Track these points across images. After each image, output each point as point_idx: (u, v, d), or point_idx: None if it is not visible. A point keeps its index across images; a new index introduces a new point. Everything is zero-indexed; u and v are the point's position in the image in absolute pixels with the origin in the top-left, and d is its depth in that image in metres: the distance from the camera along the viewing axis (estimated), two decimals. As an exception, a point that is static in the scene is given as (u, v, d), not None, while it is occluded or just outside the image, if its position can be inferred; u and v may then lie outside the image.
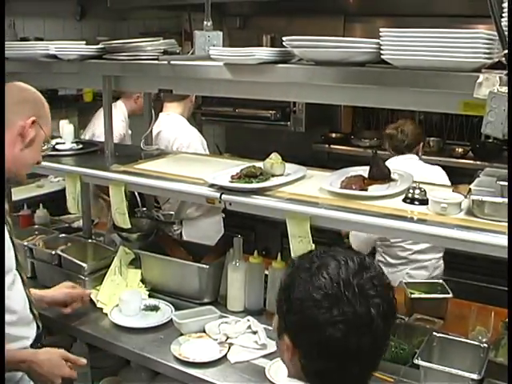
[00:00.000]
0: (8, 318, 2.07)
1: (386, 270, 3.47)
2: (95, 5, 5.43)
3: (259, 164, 2.49)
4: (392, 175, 2.44)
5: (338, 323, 1.33)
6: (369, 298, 1.36)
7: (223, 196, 2.34)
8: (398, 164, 3.46)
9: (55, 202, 3.86)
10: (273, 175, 2.46)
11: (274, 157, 2.51)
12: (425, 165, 3.68)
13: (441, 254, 3.57)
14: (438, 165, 4.22)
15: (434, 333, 2.36)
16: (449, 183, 3.40)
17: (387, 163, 3.47)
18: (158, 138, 3.75)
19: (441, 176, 3.59)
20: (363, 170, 2.45)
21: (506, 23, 1.72)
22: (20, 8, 4.94)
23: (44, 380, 2.12)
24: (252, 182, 2.37)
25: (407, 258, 3.54)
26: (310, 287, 1.37)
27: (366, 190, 2.28)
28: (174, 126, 3.94)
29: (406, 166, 3.32)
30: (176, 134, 3.86)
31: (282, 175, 2.47)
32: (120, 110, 4.58)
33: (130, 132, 4.66)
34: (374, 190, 2.29)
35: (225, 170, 2.53)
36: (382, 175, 2.41)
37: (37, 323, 2.27)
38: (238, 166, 2.53)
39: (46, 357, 2.15)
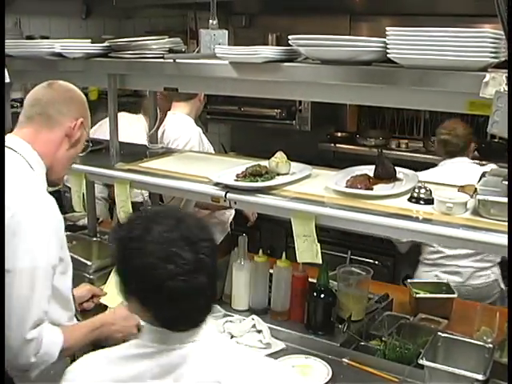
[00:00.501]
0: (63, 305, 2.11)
1: (421, 269, 3.48)
2: (101, 3, 5.43)
3: (264, 163, 2.49)
4: (397, 174, 2.43)
5: (177, 275, 1.47)
6: (194, 245, 1.51)
7: (228, 195, 2.34)
8: (451, 168, 3.47)
9: (60, 200, 3.87)
10: (278, 174, 2.45)
11: (279, 156, 2.50)
12: (478, 167, 3.55)
13: (485, 264, 3.41)
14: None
15: (439, 333, 2.36)
16: None
17: (439, 167, 3.55)
18: (163, 137, 3.75)
19: None
20: (369, 170, 2.44)
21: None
22: (26, 6, 4.95)
23: (124, 335, 2.14)
24: (257, 181, 2.36)
25: (436, 260, 3.47)
26: (141, 256, 1.51)
27: (372, 189, 2.27)
28: (177, 125, 3.94)
29: (459, 170, 3.34)
30: (177, 134, 3.86)
31: (287, 174, 2.47)
32: (143, 123, 4.59)
33: None
34: (380, 189, 2.29)
35: (230, 168, 2.52)
36: (387, 174, 2.41)
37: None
38: (244, 164, 2.52)
39: (114, 314, 2.24)
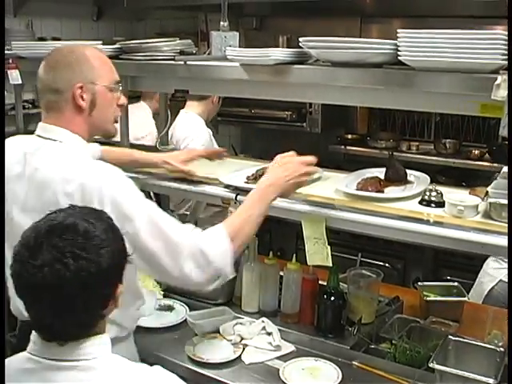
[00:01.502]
0: None
1: (491, 265, 3.27)
2: (112, 5, 5.45)
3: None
4: (408, 177, 2.42)
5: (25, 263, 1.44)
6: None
7: (239, 197, 2.34)
8: None
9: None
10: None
11: None
12: None
13: None
14: (454, 167, 4.20)
15: (450, 336, 2.35)
16: None
17: None
18: (173, 136, 3.80)
19: None
20: (379, 172, 2.43)
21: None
22: (38, 8, 4.98)
23: (297, 179, 2.16)
24: None
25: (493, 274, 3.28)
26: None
27: (383, 191, 2.27)
28: (187, 124, 3.97)
29: None
30: (186, 133, 3.89)
31: None
32: (145, 109, 4.62)
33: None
34: (391, 191, 2.29)
35: (240, 170, 2.52)
36: (398, 177, 2.40)
37: None
38: (254, 166, 2.53)
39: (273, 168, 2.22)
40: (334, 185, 2.34)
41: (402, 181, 2.40)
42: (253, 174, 2.43)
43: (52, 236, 1.45)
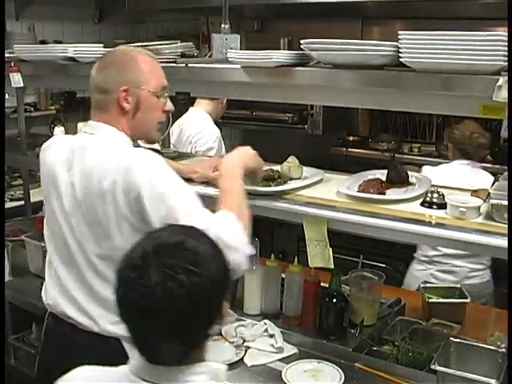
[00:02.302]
0: None
1: (416, 267, 3.54)
2: (113, 8, 5.46)
3: (277, 167, 2.49)
4: (410, 179, 2.42)
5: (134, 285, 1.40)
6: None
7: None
8: (457, 170, 3.48)
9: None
10: (290, 178, 2.45)
11: (292, 160, 2.50)
12: (487, 175, 3.54)
13: (479, 266, 3.46)
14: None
15: (452, 338, 2.34)
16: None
17: (448, 165, 3.58)
18: (183, 132, 3.89)
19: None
20: (381, 174, 2.43)
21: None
22: (39, 12, 5.00)
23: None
24: (270, 186, 2.36)
25: (433, 258, 3.51)
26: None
27: (384, 193, 2.27)
28: (199, 121, 4.05)
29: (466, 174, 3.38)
30: (199, 128, 3.99)
31: (299, 178, 2.47)
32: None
33: None
34: (392, 193, 2.28)
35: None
36: (399, 179, 2.40)
37: None
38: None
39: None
40: (336, 187, 2.33)
41: (404, 183, 2.39)
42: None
43: (160, 255, 1.41)
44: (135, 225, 1.96)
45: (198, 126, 4.05)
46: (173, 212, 1.91)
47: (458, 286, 2.92)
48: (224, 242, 1.79)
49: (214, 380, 1.50)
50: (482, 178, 3.37)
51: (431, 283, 3.34)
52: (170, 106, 2.23)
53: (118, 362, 1.57)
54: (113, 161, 1.99)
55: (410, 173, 2.45)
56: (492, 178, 3.33)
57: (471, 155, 3.61)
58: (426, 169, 3.53)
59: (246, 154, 2.24)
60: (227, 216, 1.99)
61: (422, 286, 2.93)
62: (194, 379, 1.46)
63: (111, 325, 2.02)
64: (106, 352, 1.99)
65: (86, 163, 2.04)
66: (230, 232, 1.92)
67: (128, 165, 1.95)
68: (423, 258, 3.56)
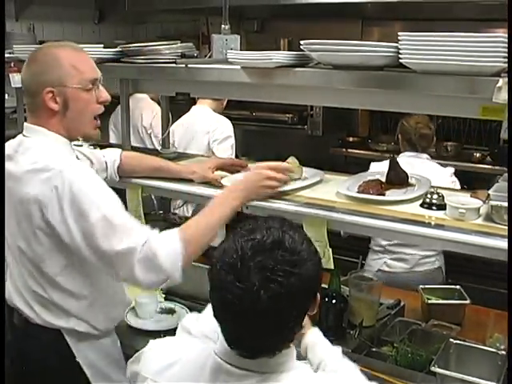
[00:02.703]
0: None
1: (370, 257, 3.63)
2: (113, 9, 5.46)
3: None
4: (410, 180, 2.42)
5: (232, 287, 1.39)
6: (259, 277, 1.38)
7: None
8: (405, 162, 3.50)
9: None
10: (291, 179, 2.45)
11: (292, 160, 2.49)
12: (433, 164, 3.67)
13: (430, 253, 3.56)
14: (456, 170, 4.21)
15: (451, 339, 2.34)
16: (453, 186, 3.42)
17: (385, 163, 3.55)
18: (189, 130, 3.95)
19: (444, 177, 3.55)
20: (381, 175, 2.43)
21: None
22: (39, 12, 4.99)
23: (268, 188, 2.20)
24: None
25: (386, 247, 3.60)
26: (224, 248, 1.48)
27: (384, 194, 2.27)
28: (208, 115, 4.18)
29: (413, 165, 3.40)
30: (212, 121, 4.09)
31: (299, 179, 2.46)
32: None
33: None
34: (392, 194, 2.28)
35: (242, 173, 2.52)
36: (399, 180, 2.40)
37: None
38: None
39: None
40: (336, 187, 2.33)
41: (404, 184, 2.39)
42: None
43: (258, 255, 1.40)
44: (51, 236, 1.98)
45: (209, 119, 4.17)
46: (93, 230, 1.90)
47: (457, 287, 2.91)
48: (157, 260, 1.88)
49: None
50: (427, 168, 3.47)
51: (384, 271, 3.55)
52: (105, 96, 2.18)
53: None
54: (38, 170, 1.97)
55: (410, 174, 2.45)
56: (438, 167, 3.59)
57: (417, 146, 3.69)
58: (373, 165, 3.57)
59: (256, 186, 2.16)
60: (171, 237, 1.98)
61: (421, 287, 2.92)
62: (281, 362, 1.49)
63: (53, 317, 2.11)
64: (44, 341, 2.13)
65: (16, 168, 2.05)
66: (165, 253, 1.92)
67: (50, 176, 1.93)
68: (377, 248, 3.65)
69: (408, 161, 3.54)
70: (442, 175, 3.52)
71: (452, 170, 3.67)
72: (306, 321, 1.78)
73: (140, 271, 1.91)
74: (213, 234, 2.05)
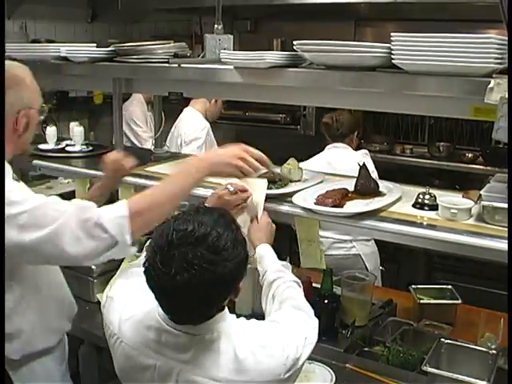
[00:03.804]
0: None
1: None
2: (106, 8, 5.45)
3: (277, 169, 2.45)
4: (381, 188, 2.35)
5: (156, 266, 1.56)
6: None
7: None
8: (334, 153, 3.72)
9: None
10: (291, 181, 2.44)
11: (292, 162, 2.49)
12: (357, 155, 3.69)
13: (345, 237, 3.57)
14: (448, 170, 4.26)
15: (443, 339, 2.35)
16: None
17: (325, 151, 3.82)
18: (174, 131, 4.24)
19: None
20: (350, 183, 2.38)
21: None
22: (32, 11, 4.98)
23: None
24: (271, 188, 2.33)
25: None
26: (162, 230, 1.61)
27: (341, 206, 2.18)
28: (189, 117, 4.32)
29: (341, 155, 3.63)
30: (187, 123, 4.29)
31: (299, 181, 2.46)
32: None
33: None
34: (353, 205, 2.21)
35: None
36: (367, 190, 2.32)
37: None
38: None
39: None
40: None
41: (372, 193, 2.31)
42: None
43: (182, 246, 1.54)
44: None
45: (187, 122, 4.22)
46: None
47: (449, 287, 2.92)
48: (99, 224, 1.81)
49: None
50: (340, 154, 3.70)
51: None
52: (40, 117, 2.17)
53: None
54: None
55: (383, 182, 2.40)
56: (351, 152, 3.72)
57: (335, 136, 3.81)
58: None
59: (224, 162, 2.03)
60: (117, 204, 1.91)
61: (413, 287, 2.93)
62: (216, 327, 1.66)
63: None
64: None
65: None
66: (109, 216, 1.83)
67: None
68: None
69: (329, 152, 3.76)
70: (352, 158, 3.52)
71: (364, 151, 3.79)
72: (258, 236, 2.14)
73: (79, 239, 1.80)
74: (172, 202, 1.97)
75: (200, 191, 2.44)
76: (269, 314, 1.99)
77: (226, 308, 1.73)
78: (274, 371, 1.64)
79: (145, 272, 1.60)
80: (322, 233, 3.43)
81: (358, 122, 3.95)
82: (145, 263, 1.60)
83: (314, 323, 1.91)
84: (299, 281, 2.04)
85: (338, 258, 3.53)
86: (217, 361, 1.62)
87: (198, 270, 1.51)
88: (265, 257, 2.09)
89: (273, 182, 2.37)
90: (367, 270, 3.45)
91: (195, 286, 1.53)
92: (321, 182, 2.46)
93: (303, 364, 1.75)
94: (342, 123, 3.77)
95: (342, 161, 3.55)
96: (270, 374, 1.63)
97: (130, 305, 1.81)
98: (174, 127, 4.35)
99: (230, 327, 1.70)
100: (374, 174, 3.02)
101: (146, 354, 1.69)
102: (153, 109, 4.61)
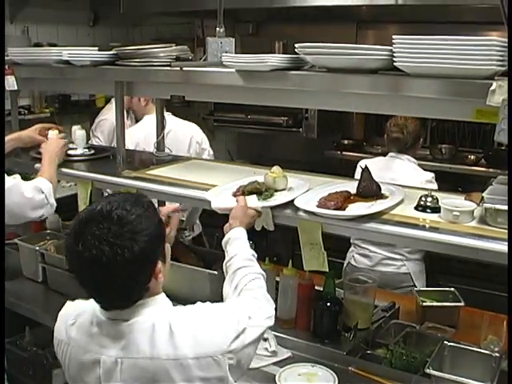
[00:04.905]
0: None
1: (349, 250, 3.68)
2: (108, 11, 5.46)
3: (261, 178, 2.45)
4: (383, 191, 2.34)
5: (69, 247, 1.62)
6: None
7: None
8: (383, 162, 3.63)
9: (67, 207, 3.88)
10: (276, 190, 2.40)
11: (277, 170, 2.45)
12: (411, 166, 3.66)
13: (394, 255, 3.53)
14: (450, 172, 4.25)
15: (446, 341, 2.35)
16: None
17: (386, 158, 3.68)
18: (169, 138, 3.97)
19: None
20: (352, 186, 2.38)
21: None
22: (34, 14, 4.99)
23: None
24: (258, 200, 2.30)
25: (354, 241, 3.67)
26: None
27: (343, 208, 2.18)
28: (184, 124, 4.18)
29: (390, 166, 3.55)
30: (192, 132, 4.14)
31: (284, 190, 2.42)
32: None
33: None
34: (355, 208, 2.20)
35: (232, 181, 2.50)
36: (369, 192, 2.32)
37: None
38: (249, 172, 2.51)
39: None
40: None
41: (375, 196, 2.30)
42: (238, 190, 2.38)
43: (90, 224, 1.58)
44: None
45: (187, 129, 4.20)
46: None
47: (452, 289, 2.92)
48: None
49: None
50: (402, 169, 3.56)
51: (352, 265, 3.62)
52: None
53: None
54: None
55: (385, 185, 2.38)
56: (415, 169, 3.60)
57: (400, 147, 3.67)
58: (361, 162, 3.54)
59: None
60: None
61: (415, 289, 2.93)
62: (145, 312, 1.68)
63: None
64: None
65: None
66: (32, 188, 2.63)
67: None
68: (351, 241, 3.70)
69: (386, 161, 3.62)
70: (417, 178, 3.49)
71: (431, 174, 3.60)
72: (234, 216, 2.18)
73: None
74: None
75: (196, 193, 2.45)
76: (225, 299, 2.00)
77: (163, 294, 1.74)
78: (216, 341, 1.64)
79: (66, 258, 1.66)
80: (371, 247, 3.54)
81: (421, 128, 3.75)
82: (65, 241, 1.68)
83: (267, 311, 1.90)
84: (264, 274, 2.06)
85: (386, 274, 3.47)
86: (152, 339, 1.62)
87: (106, 245, 1.54)
88: (236, 240, 2.12)
89: (259, 192, 2.34)
90: (415, 287, 3.40)
91: (106, 263, 1.54)
92: (307, 191, 2.39)
93: (251, 346, 1.73)
94: (410, 133, 3.60)
95: (408, 180, 3.24)
96: (212, 345, 1.63)
97: (73, 310, 1.84)
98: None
99: (165, 309, 1.72)
100: None
101: (91, 349, 1.70)
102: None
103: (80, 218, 1.62)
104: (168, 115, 4.02)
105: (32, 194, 2.66)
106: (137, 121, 4.46)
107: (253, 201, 2.28)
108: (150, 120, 3.86)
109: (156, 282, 1.68)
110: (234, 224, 2.17)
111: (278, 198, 2.34)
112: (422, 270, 3.60)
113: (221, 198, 2.37)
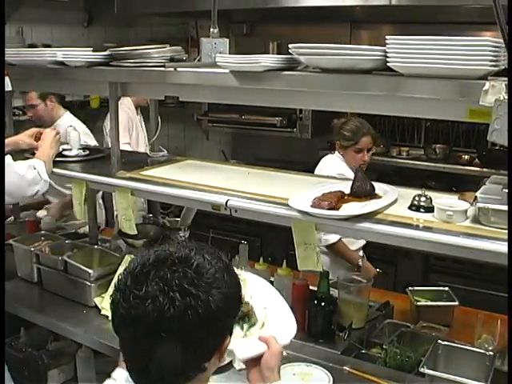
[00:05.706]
0: None
1: None
2: (102, 12, 5.46)
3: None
4: (377, 191, 2.34)
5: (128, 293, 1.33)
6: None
7: (229, 202, 2.34)
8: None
9: (62, 207, 3.89)
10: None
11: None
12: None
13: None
14: (444, 172, 4.26)
15: (440, 340, 2.35)
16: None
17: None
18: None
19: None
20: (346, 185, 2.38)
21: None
22: (28, 15, 4.99)
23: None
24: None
25: None
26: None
27: (337, 208, 2.18)
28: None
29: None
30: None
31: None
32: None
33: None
34: (349, 208, 2.20)
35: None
36: (363, 192, 2.31)
37: None
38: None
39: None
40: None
41: (368, 196, 2.30)
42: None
43: (161, 266, 1.32)
44: None
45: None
46: None
47: (446, 288, 2.93)
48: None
49: None
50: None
51: None
52: None
53: None
54: None
55: (380, 185, 2.39)
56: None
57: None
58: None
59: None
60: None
61: (410, 289, 2.94)
62: None
63: None
64: None
65: None
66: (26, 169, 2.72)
67: None
68: None
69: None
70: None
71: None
72: (272, 371, 1.68)
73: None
74: None
75: (199, 195, 2.45)
76: None
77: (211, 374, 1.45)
78: None
79: (112, 302, 1.37)
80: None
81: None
82: (113, 295, 1.37)
83: None
84: None
85: None
86: None
87: (178, 292, 1.28)
88: None
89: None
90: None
91: (172, 317, 1.27)
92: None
93: None
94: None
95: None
96: None
97: None
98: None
99: None
100: None
101: None
102: (141, 113, 4.67)
103: (146, 257, 1.35)
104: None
105: (24, 171, 2.75)
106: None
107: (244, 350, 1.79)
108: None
109: (216, 362, 1.42)
110: (272, 378, 1.70)
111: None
112: None
113: (245, 344, 1.85)
